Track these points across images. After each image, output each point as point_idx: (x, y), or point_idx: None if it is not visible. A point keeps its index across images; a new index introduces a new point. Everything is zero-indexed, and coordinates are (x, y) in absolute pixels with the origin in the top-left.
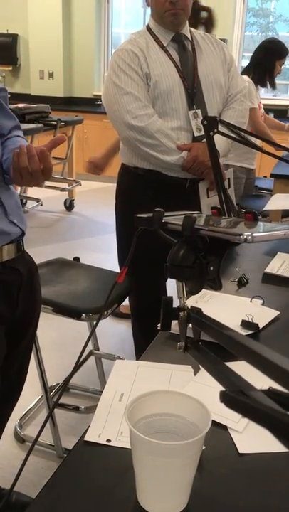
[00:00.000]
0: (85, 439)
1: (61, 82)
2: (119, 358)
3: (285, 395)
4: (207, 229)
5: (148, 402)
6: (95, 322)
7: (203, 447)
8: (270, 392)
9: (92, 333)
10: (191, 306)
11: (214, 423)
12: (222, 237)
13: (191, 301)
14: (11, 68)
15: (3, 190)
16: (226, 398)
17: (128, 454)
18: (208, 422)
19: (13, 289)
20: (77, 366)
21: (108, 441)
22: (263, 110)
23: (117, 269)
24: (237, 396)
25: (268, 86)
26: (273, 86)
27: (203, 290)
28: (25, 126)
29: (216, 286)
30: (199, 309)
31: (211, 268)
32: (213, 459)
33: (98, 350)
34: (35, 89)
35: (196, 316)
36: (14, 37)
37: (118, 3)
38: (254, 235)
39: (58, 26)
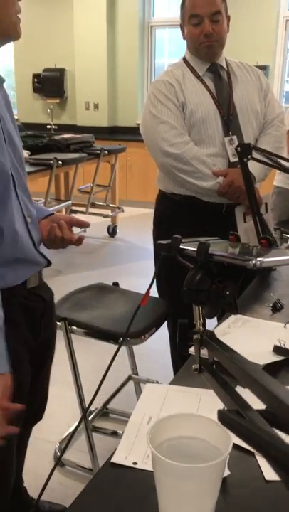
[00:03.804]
0: (112, 460)
1: (106, 112)
2: (157, 382)
3: (279, 416)
4: (219, 255)
5: (171, 425)
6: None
7: (228, 472)
8: (265, 413)
9: (115, 354)
10: (206, 330)
11: (241, 448)
12: (232, 262)
13: (224, 326)
14: (58, 101)
15: (33, 226)
16: (222, 417)
17: (153, 477)
18: (229, 446)
19: (37, 315)
20: (97, 389)
21: (134, 463)
22: None
23: (155, 294)
24: (232, 415)
25: None
26: None
27: (237, 315)
28: (70, 155)
29: (233, 310)
30: (212, 332)
31: (228, 292)
32: (238, 485)
33: (137, 374)
34: (81, 120)
35: (207, 338)
36: (61, 71)
37: (161, 33)
38: (263, 260)
39: (103, 60)
